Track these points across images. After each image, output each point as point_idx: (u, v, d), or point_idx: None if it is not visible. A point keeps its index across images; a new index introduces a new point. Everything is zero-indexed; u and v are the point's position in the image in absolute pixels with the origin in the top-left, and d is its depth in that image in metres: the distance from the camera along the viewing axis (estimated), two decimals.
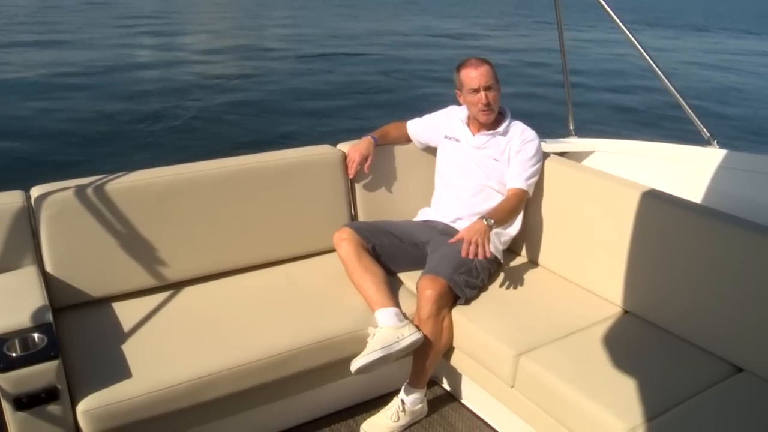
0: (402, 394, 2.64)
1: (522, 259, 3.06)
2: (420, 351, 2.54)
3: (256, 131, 9.42)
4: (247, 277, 2.78)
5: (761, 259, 2.21)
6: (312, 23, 24.53)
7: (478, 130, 2.93)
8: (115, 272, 2.54)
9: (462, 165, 2.94)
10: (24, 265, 2.41)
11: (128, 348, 2.25)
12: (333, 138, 3.24)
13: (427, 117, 3.16)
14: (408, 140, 3.19)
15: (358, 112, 10.65)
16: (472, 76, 2.78)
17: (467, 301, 2.61)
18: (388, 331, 2.44)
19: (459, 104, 3.00)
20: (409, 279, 2.79)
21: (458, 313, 2.58)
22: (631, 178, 2.78)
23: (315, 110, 10.74)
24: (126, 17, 23.60)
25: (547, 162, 2.93)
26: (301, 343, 2.36)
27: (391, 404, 2.65)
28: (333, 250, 2.81)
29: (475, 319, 2.53)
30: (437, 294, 2.51)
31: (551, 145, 3.64)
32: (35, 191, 2.46)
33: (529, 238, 3.01)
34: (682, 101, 3.51)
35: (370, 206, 3.08)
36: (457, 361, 2.67)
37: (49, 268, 2.42)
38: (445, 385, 2.95)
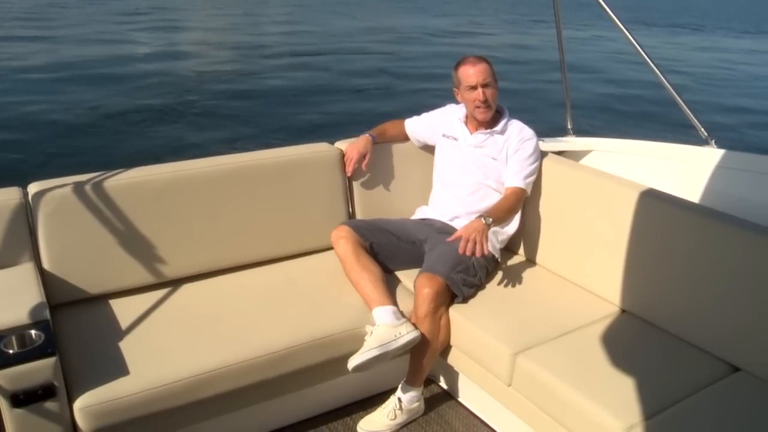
0: (399, 393, 2.64)
1: (520, 257, 3.06)
2: (417, 349, 2.55)
3: (254, 129, 9.41)
4: (245, 275, 2.78)
5: (758, 258, 2.21)
6: (309, 21, 24.52)
7: (476, 129, 2.93)
8: (112, 269, 2.54)
9: (460, 164, 2.94)
10: (21, 262, 2.40)
11: (126, 345, 2.24)
12: (331, 136, 3.24)
13: (425, 115, 3.16)
14: (406, 138, 3.19)
15: (356, 111, 10.64)
16: (470, 73, 2.79)
17: (465, 300, 2.61)
18: (385, 329, 2.44)
19: (457, 102, 3.00)
20: (406, 277, 2.79)
21: (455, 312, 2.58)
22: (629, 177, 2.78)
23: (313, 108, 10.73)
24: (123, 14, 23.57)
25: (545, 161, 2.93)
26: (299, 340, 2.36)
27: (388, 402, 2.65)
28: (331, 248, 2.81)
29: (472, 317, 2.54)
30: (434, 292, 2.51)
31: (549, 144, 3.64)
32: (33, 188, 2.45)
33: (527, 236, 3.01)
34: (680, 101, 3.52)
35: (368, 204, 3.08)
36: (454, 359, 2.68)
37: (46, 264, 2.42)
38: (442, 384, 2.95)
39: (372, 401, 2.74)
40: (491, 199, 2.87)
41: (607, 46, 18.25)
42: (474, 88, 2.79)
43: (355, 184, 3.05)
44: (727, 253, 2.29)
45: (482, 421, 2.72)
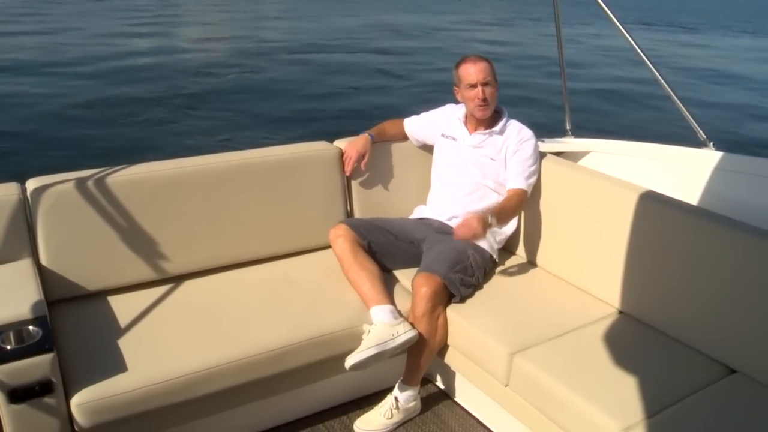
0: (396, 392, 2.65)
1: (517, 258, 3.07)
2: (414, 348, 2.55)
3: (253, 127, 9.41)
4: (243, 273, 2.78)
5: (756, 261, 2.22)
6: (307, 18, 24.49)
7: (475, 129, 2.93)
8: (110, 266, 2.54)
9: (459, 164, 2.95)
10: (19, 258, 2.40)
11: (123, 342, 2.24)
12: (330, 135, 3.24)
13: (424, 115, 3.16)
14: (405, 138, 3.19)
15: (355, 110, 10.64)
16: (470, 71, 2.79)
17: (462, 300, 2.62)
18: (382, 328, 2.44)
19: (456, 101, 3.00)
20: (404, 276, 2.79)
21: (453, 311, 2.58)
22: (627, 178, 2.78)
23: (312, 106, 10.73)
24: (121, 10, 23.55)
25: (544, 162, 2.93)
26: (296, 338, 2.36)
27: (384, 401, 2.66)
28: (329, 247, 2.81)
29: (469, 317, 2.54)
30: (432, 291, 2.51)
31: (548, 145, 3.64)
32: (31, 184, 2.45)
33: (525, 237, 3.02)
34: (679, 102, 3.52)
35: (366, 203, 3.08)
36: (451, 359, 2.68)
37: (44, 260, 2.41)
38: (439, 383, 2.95)
39: (369, 400, 2.74)
40: (489, 199, 2.87)
41: (607, 45, 18.24)
42: (474, 86, 2.79)
43: (354, 183, 3.05)
44: (725, 256, 2.29)
45: (479, 421, 2.73)
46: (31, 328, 1.95)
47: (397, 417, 2.64)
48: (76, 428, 2.04)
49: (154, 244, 2.60)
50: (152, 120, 9.47)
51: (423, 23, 24.58)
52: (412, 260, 2.79)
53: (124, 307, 2.46)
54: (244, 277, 2.75)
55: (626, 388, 2.13)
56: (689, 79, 14.82)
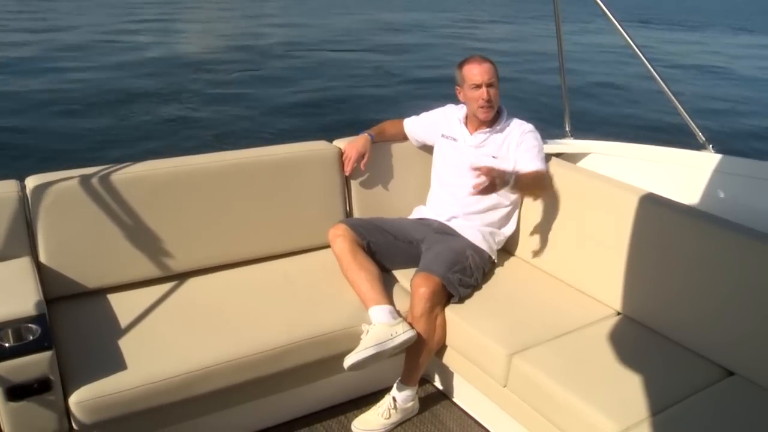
0: (394, 392, 2.65)
1: (516, 259, 3.07)
2: (413, 349, 2.55)
3: (252, 125, 9.41)
4: (243, 271, 2.78)
5: (754, 264, 2.22)
6: (305, 16, 24.49)
7: (476, 129, 2.93)
8: (110, 263, 2.53)
9: (459, 164, 2.94)
10: (18, 256, 2.40)
11: (122, 340, 2.24)
12: (329, 134, 3.24)
13: (424, 115, 3.16)
14: (404, 138, 3.19)
15: (354, 108, 10.64)
16: (475, 72, 2.79)
17: (461, 300, 2.62)
18: (381, 328, 2.45)
19: (458, 101, 3.00)
20: (403, 276, 2.79)
21: (451, 312, 2.58)
22: (626, 180, 2.79)
23: (311, 106, 10.73)
24: (118, 6, 23.56)
25: None
26: (295, 338, 2.36)
27: (382, 401, 2.66)
28: (328, 246, 2.81)
29: (468, 318, 2.54)
30: (431, 292, 2.51)
31: (547, 146, 3.63)
32: (30, 181, 2.45)
33: (524, 238, 3.02)
34: (679, 105, 3.52)
35: (366, 203, 3.08)
36: (449, 359, 2.68)
37: (43, 258, 2.41)
38: (437, 384, 2.95)
39: (367, 400, 2.75)
40: (489, 199, 2.87)
41: (605, 46, 18.24)
42: (479, 86, 2.79)
43: (353, 183, 3.05)
44: (724, 258, 2.30)
45: (476, 422, 2.73)
46: (29, 325, 1.94)
47: (395, 417, 2.64)
48: (74, 426, 2.04)
49: (153, 242, 2.60)
50: (151, 117, 9.46)
51: (423, 21, 24.63)
52: (411, 260, 2.79)
53: (123, 305, 2.46)
54: (243, 276, 2.75)
55: (624, 389, 2.13)
56: (689, 79, 14.85)
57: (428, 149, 3.15)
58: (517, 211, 2.98)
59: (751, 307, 2.21)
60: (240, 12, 25.62)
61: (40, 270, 2.38)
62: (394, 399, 2.63)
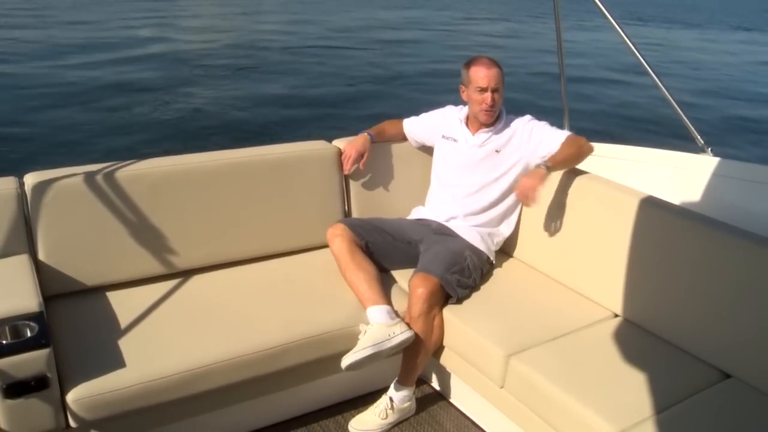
0: (391, 392, 2.65)
1: (514, 260, 3.07)
2: (410, 349, 2.55)
3: (251, 125, 9.40)
4: (241, 271, 2.78)
5: (752, 267, 2.22)
6: (304, 15, 24.48)
7: (478, 129, 2.93)
8: (108, 261, 2.53)
9: (460, 165, 2.95)
10: (16, 253, 2.39)
11: (120, 338, 2.24)
12: (328, 134, 3.24)
13: (424, 116, 3.16)
14: (404, 138, 3.19)
15: (353, 108, 10.64)
16: (481, 75, 2.79)
17: (459, 301, 2.62)
18: (379, 328, 2.45)
19: (461, 99, 2.98)
20: (401, 277, 2.79)
21: (449, 313, 2.58)
22: (625, 182, 2.79)
23: (311, 105, 10.72)
24: (120, 2, 23.53)
25: None
26: (293, 337, 2.36)
27: (379, 401, 2.66)
28: (326, 246, 2.81)
29: (466, 318, 2.54)
30: (429, 292, 2.51)
31: None
32: (29, 178, 2.44)
33: (523, 239, 3.02)
34: (678, 108, 3.52)
35: (364, 203, 3.08)
36: (446, 360, 2.68)
37: (41, 255, 2.41)
38: (434, 384, 2.96)
39: (364, 400, 2.75)
40: (489, 200, 2.88)
41: (605, 46, 18.24)
42: (484, 90, 2.79)
43: (352, 183, 3.05)
44: (722, 261, 2.30)
45: (473, 423, 2.73)
46: (27, 322, 1.94)
47: (392, 417, 2.64)
48: (71, 424, 2.04)
49: (152, 240, 2.60)
50: (150, 113, 9.45)
51: (422, 19, 24.63)
52: (410, 261, 2.79)
53: (121, 302, 2.46)
54: (241, 275, 2.75)
55: (621, 390, 2.14)
56: (688, 78, 14.87)
57: (427, 150, 3.16)
58: (515, 213, 2.98)
59: (749, 310, 2.21)
60: (239, 8, 25.63)
61: (39, 267, 2.38)
62: (391, 399, 2.64)
